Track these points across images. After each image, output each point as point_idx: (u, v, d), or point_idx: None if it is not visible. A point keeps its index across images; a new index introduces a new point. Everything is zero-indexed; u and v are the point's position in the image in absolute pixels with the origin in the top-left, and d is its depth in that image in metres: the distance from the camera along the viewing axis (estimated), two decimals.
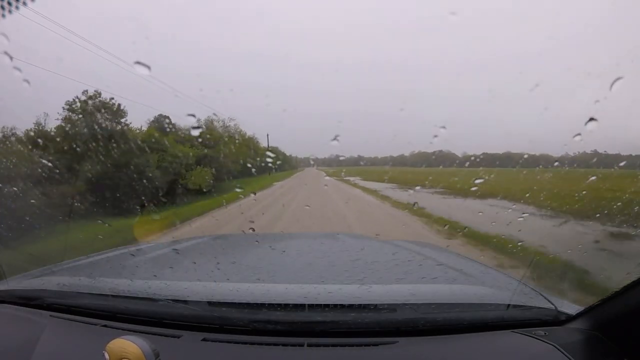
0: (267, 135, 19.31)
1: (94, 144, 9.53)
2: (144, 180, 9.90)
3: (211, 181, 13.56)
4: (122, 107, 12.92)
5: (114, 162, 9.02)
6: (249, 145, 18.94)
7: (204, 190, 12.99)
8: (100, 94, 12.32)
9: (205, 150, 14.24)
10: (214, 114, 17.49)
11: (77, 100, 11.83)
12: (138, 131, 13.74)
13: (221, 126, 18.62)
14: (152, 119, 15.68)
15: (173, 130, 14.82)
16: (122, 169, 9.32)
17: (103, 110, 12.14)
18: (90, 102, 12.06)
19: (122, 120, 13.03)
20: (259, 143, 20.19)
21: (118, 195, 8.57)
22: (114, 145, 9.73)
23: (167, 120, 15.43)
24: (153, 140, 12.49)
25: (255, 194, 8.28)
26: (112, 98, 12.54)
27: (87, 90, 12.00)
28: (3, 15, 0.82)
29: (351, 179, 19.21)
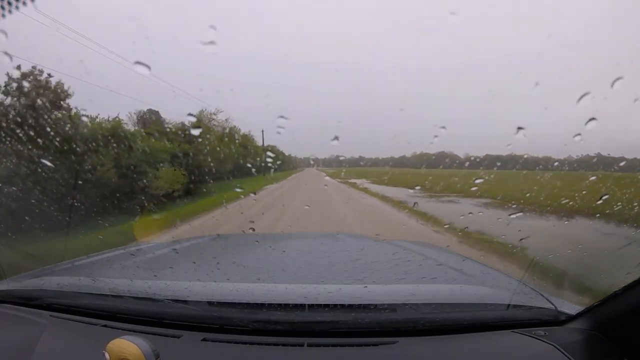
0: (262, 131, 17.51)
1: (18, 133, 7.12)
2: (91, 183, 7.58)
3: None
4: (66, 88, 9.53)
5: (40, 159, 6.66)
6: (242, 143, 17.63)
7: (175, 195, 10.41)
8: (42, 72, 9.19)
9: (183, 146, 11.78)
10: (214, 112, 15.82)
11: (10, 79, 8.78)
12: (100, 122, 10.52)
13: (209, 118, 16.35)
14: (134, 112, 13.72)
15: (167, 126, 13.22)
16: (57, 167, 6.88)
17: (42, 91, 9.00)
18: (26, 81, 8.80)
19: (65, 104, 9.54)
20: (255, 140, 19.03)
21: (46, 202, 6.05)
22: (45, 136, 7.27)
23: (156, 116, 14.06)
24: (109, 133, 9.53)
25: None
26: (50, 75, 9.33)
27: (20, 65, 8.79)
28: (3, 15, 0.81)
29: (357, 181, 17.38)
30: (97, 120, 10.49)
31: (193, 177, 11.54)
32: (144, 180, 9.76)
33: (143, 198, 8.71)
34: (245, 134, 19.25)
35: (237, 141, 17.41)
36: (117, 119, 11.10)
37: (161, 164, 10.87)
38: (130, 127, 12.66)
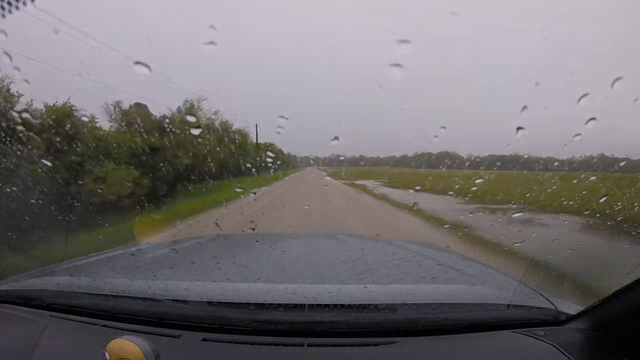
0: (256, 125, 16.42)
1: None
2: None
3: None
4: None
5: None
6: (236, 140, 15.95)
7: (123, 203, 7.88)
8: None
9: (146, 139, 9.50)
10: (198, 102, 13.78)
11: None
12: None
13: (194, 109, 14.58)
14: (111, 102, 12.08)
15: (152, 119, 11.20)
16: None
17: None
18: None
19: None
20: (250, 137, 17.64)
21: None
22: None
23: (144, 109, 12.59)
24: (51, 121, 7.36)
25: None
26: None
27: None
28: (3, 15, 0.81)
29: (366, 183, 14.59)
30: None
31: (166, 178, 9.24)
32: (79, 182, 7.41)
33: (75, 203, 6.52)
34: (240, 129, 17.76)
35: (236, 141, 16.62)
36: (66, 104, 8.44)
37: (105, 161, 8.42)
38: (101, 119, 10.82)
